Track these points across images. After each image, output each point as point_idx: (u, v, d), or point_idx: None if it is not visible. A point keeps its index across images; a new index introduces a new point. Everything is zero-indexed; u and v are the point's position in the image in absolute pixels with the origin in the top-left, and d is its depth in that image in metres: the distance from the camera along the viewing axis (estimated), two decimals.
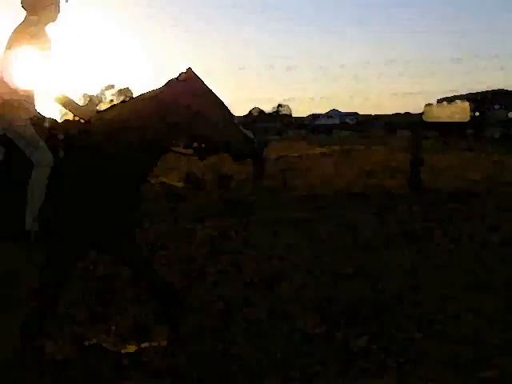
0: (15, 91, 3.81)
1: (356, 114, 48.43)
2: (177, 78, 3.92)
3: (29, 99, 3.92)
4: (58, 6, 4.03)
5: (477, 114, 32.23)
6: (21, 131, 3.77)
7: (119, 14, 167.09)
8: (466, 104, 32.75)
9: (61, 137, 3.84)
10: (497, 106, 31.86)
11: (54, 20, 4.05)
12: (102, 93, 77.39)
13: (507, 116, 31.25)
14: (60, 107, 3.94)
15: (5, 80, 3.81)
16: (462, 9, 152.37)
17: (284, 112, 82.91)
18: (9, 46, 3.85)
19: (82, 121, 3.93)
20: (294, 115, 77.86)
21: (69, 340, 4.12)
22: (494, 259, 6.23)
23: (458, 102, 34.25)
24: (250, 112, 77.81)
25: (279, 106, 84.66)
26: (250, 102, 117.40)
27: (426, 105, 39.43)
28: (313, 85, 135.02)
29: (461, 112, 32.87)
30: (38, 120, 3.92)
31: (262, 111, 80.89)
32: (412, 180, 11.79)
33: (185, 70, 3.91)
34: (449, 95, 37.24)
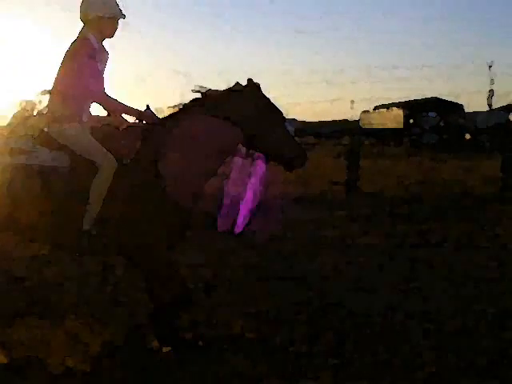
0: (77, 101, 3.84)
1: (294, 119, 48.75)
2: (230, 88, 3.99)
3: (86, 108, 3.93)
4: (117, 23, 4.00)
5: (411, 121, 33.28)
6: (76, 138, 3.78)
7: (52, 19, 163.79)
8: (401, 111, 33.73)
9: (123, 143, 3.82)
10: (432, 114, 32.99)
11: (112, 36, 4.03)
12: (39, 98, 75.40)
13: (440, 123, 32.40)
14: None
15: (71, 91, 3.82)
16: (403, 17, 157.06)
17: None
18: (73, 62, 3.83)
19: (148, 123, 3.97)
20: None
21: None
22: (428, 261, 6.40)
23: (393, 109, 35.21)
24: None
25: None
26: None
27: (363, 112, 40.26)
28: None
29: (395, 119, 33.84)
30: (96, 127, 3.95)
31: None
32: (349, 185, 12.01)
33: (246, 81, 3.99)
34: (384, 102, 38.29)
